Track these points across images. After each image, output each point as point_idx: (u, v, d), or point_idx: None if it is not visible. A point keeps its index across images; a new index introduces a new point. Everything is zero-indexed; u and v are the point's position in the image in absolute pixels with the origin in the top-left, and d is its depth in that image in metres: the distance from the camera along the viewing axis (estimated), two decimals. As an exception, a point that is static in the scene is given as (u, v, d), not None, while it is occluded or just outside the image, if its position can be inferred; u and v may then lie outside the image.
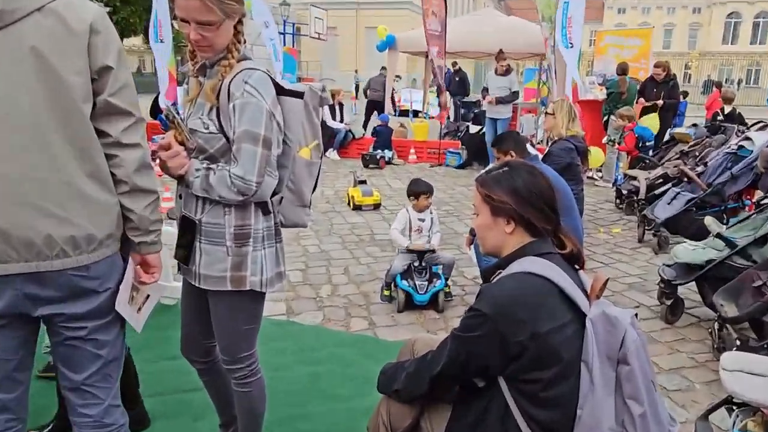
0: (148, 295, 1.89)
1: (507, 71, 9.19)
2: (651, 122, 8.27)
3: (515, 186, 1.61)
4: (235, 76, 1.80)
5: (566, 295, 1.50)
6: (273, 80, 1.85)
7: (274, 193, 1.93)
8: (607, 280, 1.62)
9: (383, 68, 13.57)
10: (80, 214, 1.54)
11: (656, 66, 8.61)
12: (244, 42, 1.87)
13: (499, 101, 9.09)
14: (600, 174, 9.01)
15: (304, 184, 2.00)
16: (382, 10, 34.60)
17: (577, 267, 1.65)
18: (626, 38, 9.86)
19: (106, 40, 1.54)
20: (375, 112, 12.87)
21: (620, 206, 7.23)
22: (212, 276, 1.91)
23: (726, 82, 20.61)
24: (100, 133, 1.57)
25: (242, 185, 1.78)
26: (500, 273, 1.61)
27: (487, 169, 1.86)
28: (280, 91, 1.88)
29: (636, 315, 1.56)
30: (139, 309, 1.87)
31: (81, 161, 1.54)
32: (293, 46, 21.17)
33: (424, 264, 4.05)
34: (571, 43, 7.81)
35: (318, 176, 2.06)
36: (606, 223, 6.62)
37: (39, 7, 1.45)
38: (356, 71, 24.98)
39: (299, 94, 1.93)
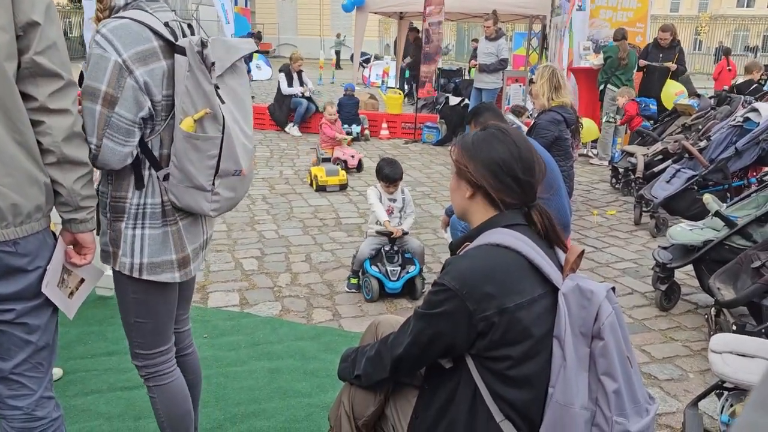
0: (83, 279, 1.94)
1: (497, 36, 9.31)
2: (669, 91, 8.54)
3: (478, 150, 1.71)
4: None
5: (537, 268, 1.61)
6: (155, 32, 1.77)
7: (158, 168, 1.87)
8: (583, 251, 1.74)
9: (338, 35, 13.59)
10: (5, 183, 1.58)
11: (662, 30, 8.82)
12: None
13: (482, 69, 9.23)
14: (595, 151, 9.24)
15: (189, 161, 1.82)
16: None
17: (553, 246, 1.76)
18: (621, -1, 10.05)
19: None
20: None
21: (616, 186, 7.44)
22: (100, 249, 1.96)
23: (744, 50, 21.08)
24: (26, 97, 1.59)
25: None
26: (467, 246, 1.71)
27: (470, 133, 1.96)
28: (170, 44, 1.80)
29: (613, 289, 1.68)
30: (72, 293, 1.91)
31: (7, 127, 1.57)
32: (246, 6, 20.94)
33: (396, 248, 4.16)
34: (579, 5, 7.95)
35: (221, 155, 1.84)
36: (600, 204, 6.82)
37: None
38: (339, 35, 24.59)
39: (181, 50, 1.79)
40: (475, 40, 17.77)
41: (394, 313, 3.89)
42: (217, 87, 1.85)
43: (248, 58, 15.89)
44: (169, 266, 1.93)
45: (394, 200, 4.33)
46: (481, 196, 1.72)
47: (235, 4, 19.31)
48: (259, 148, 9.18)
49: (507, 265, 1.59)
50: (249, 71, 17.94)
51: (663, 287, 4.07)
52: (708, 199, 4.09)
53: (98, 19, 1.82)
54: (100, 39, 1.71)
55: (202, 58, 1.76)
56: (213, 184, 1.87)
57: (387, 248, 4.15)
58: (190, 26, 2.00)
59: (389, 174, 4.25)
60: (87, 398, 2.79)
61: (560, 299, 1.59)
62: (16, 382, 1.78)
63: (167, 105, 1.83)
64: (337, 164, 7.44)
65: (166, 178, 1.87)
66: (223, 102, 1.86)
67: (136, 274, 1.90)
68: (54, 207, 1.76)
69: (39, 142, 1.65)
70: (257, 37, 15.35)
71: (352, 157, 7.88)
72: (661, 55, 8.85)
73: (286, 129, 10.66)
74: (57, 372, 2.97)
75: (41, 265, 1.73)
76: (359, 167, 7.95)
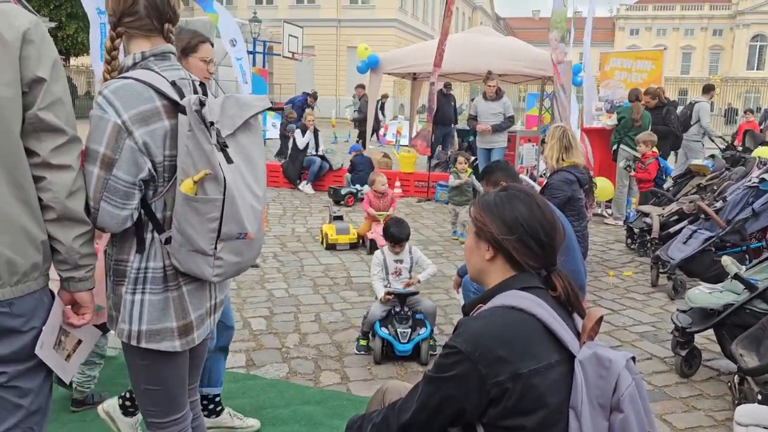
0: (80, 340, 1.90)
1: (498, 95, 9.42)
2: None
3: (502, 212, 1.67)
4: None
5: (553, 333, 1.54)
6: (159, 91, 1.76)
7: (161, 230, 1.83)
8: (601, 317, 1.67)
9: (359, 86, 13.87)
10: (2, 241, 1.56)
11: (645, 93, 8.96)
12: (146, 56, 1.83)
13: (496, 129, 9.27)
14: (610, 210, 9.18)
15: (189, 225, 1.76)
16: (366, 29, 35.34)
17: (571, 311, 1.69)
18: (635, 61, 10.16)
19: (40, 50, 1.60)
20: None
21: (632, 246, 7.35)
22: (107, 313, 1.93)
23: (756, 111, 21.38)
24: (28, 152, 1.60)
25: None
26: (481, 307, 1.65)
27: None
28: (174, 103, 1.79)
29: (633, 358, 1.60)
30: (69, 356, 1.87)
31: (8, 183, 1.57)
32: (264, 67, 21.50)
33: (406, 310, 4.08)
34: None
35: (222, 218, 1.78)
36: (616, 265, 6.72)
37: None
38: (354, 96, 24.81)
39: (183, 109, 1.76)
40: (473, 100, 18.00)
41: (404, 376, 3.78)
42: (226, 145, 1.82)
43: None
44: (169, 334, 1.86)
45: (401, 261, 4.28)
46: (501, 258, 1.67)
47: (253, 65, 19.91)
48: (272, 206, 9.22)
49: (522, 329, 1.53)
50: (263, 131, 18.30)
51: (683, 352, 3.93)
52: (726, 261, 4.00)
53: (105, 80, 1.83)
54: (101, 100, 1.71)
55: (202, 117, 1.72)
56: (215, 248, 1.80)
57: (398, 309, 4.07)
58: (202, 84, 1.99)
59: (395, 234, 4.22)
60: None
61: (577, 367, 1.51)
62: None
63: (170, 166, 1.80)
64: (366, 244, 6.97)
65: (167, 241, 1.82)
66: (231, 161, 1.82)
67: (134, 342, 1.84)
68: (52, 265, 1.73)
69: (39, 198, 1.63)
70: (313, 96, 15.55)
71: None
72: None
73: (300, 186, 10.73)
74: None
75: (36, 326, 1.69)
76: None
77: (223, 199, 1.76)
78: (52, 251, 1.70)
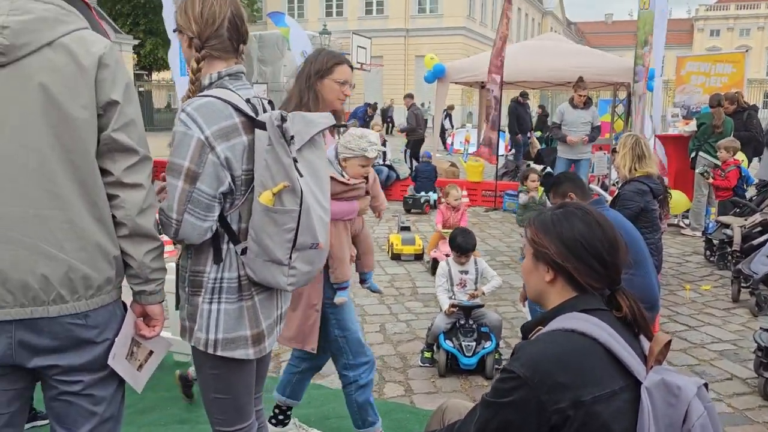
0: (151, 351, 1.96)
1: (587, 103, 8.89)
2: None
3: (560, 232, 1.62)
4: None
5: (617, 358, 1.48)
6: (237, 108, 1.83)
7: (236, 241, 1.90)
8: (670, 341, 1.59)
9: (407, 95, 13.91)
10: (79, 257, 1.64)
11: (725, 98, 8.50)
12: (222, 76, 1.90)
13: (591, 139, 8.84)
14: (687, 221, 8.80)
15: (267, 235, 1.83)
16: (434, 37, 35.43)
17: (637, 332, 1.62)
18: (713, 65, 9.70)
19: (114, 74, 1.67)
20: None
21: (711, 259, 7.02)
22: (180, 323, 2.00)
23: None
24: (103, 172, 1.68)
25: (163, 219, 1.83)
26: (540, 330, 1.61)
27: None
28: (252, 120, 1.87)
29: (706, 385, 1.52)
30: (141, 366, 1.93)
31: (85, 201, 1.65)
32: (333, 78, 21.80)
33: (471, 322, 4.03)
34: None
35: (299, 229, 1.84)
36: (693, 278, 6.43)
37: (50, 41, 1.60)
38: (423, 104, 24.62)
39: (261, 124, 1.84)
40: (541, 107, 17.54)
41: (468, 390, 3.73)
42: (295, 160, 1.87)
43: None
44: (243, 342, 1.93)
45: (466, 272, 4.24)
46: (562, 280, 1.62)
47: (324, 76, 20.28)
48: (339, 215, 9.32)
49: (583, 354, 1.47)
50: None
51: (767, 374, 3.71)
52: (815, 277, 3.76)
53: (187, 98, 1.91)
54: (184, 117, 1.80)
55: (282, 132, 1.79)
56: (290, 257, 1.87)
57: (462, 322, 4.03)
58: (270, 102, 2.05)
59: (461, 244, 4.19)
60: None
61: (643, 394, 1.45)
62: None
63: (246, 179, 1.87)
64: (429, 263, 6.69)
65: (243, 252, 1.89)
66: (301, 175, 1.87)
67: (210, 350, 1.91)
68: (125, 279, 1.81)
69: (113, 215, 1.71)
70: (373, 107, 15.75)
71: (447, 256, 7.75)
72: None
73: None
74: None
75: (109, 337, 1.76)
76: None
77: (300, 210, 1.83)
78: (125, 266, 1.78)
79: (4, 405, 1.73)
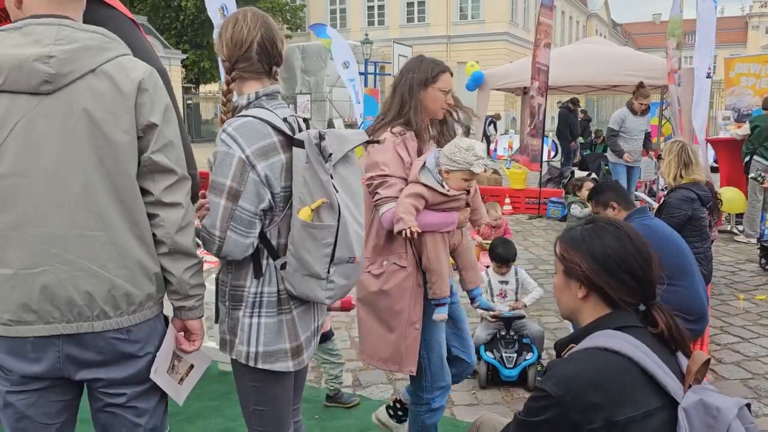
0: (192, 365, 2.01)
1: (646, 110, 8.49)
2: None
3: (592, 248, 1.60)
4: None
5: (652, 377, 1.45)
6: (275, 127, 1.89)
7: (275, 257, 1.94)
8: (708, 360, 1.55)
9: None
10: (121, 274, 1.71)
11: None
12: (259, 96, 1.96)
13: (647, 148, 8.55)
14: (741, 227, 8.52)
15: (306, 250, 1.87)
16: (476, 44, 35.28)
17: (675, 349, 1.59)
18: (764, 65, 9.35)
19: (153, 98, 1.73)
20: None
21: (766, 267, 6.78)
22: (220, 336, 2.04)
23: None
24: (143, 192, 1.74)
25: (206, 237, 1.88)
26: (573, 347, 1.59)
27: (571, 225, 1.84)
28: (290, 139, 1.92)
29: (749, 405, 1.47)
30: (182, 379, 1.98)
31: (126, 221, 1.72)
32: (375, 87, 21.95)
33: (512, 333, 3.99)
34: (708, 73, 7.57)
35: (336, 243, 1.88)
36: (747, 287, 6.21)
37: (92, 69, 1.67)
38: (494, 115, 23.67)
39: (299, 143, 1.89)
40: (584, 111, 17.13)
41: (510, 402, 3.69)
42: (331, 176, 1.91)
43: None
44: (283, 355, 1.97)
45: (506, 282, 4.20)
46: (595, 296, 1.60)
47: (365, 85, 20.43)
48: (381, 224, 9.36)
49: (617, 372, 1.45)
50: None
51: (824, 388, 3.56)
52: None
53: (222, 121, 1.98)
54: (225, 137, 1.86)
55: (320, 149, 1.84)
56: (328, 272, 1.90)
57: (503, 333, 4.00)
58: (306, 120, 2.10)
59: (501, 253, 4.16)
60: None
61: (680, 415, 1.41)
62: None
63: (285, 196, 1.93)
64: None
65: (282, 266, 1.94)
66: (337, 191, 1.91)
67: (251, 363, 1.96)
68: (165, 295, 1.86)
69: (153, 234, 1.76)
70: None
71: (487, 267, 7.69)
72: None
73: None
74: None
75: (151, 351, 1.82)
76: None
77: (338, 225, 1.87)
78: (165, 282, 1.83)
79: (54, 415, 1.80)
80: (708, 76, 7.35)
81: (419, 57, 2.77)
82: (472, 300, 2.92)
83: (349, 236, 1.91)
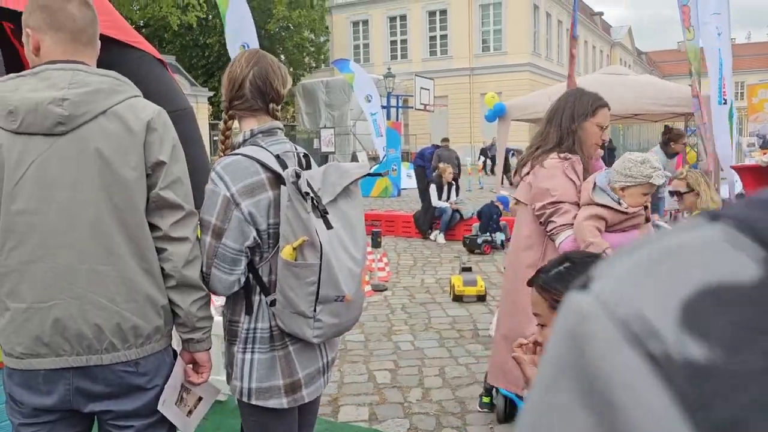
0: (200, 398, 2.05)
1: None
2: None
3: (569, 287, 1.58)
4: None
5: None
6: (264, 165, 1.91)
7: (267, 293, 1.96)
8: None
9: (444, 139, 13.71)
10: (129, 308, 1.76)
11: None
12: (254, 133, 2.00)
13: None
14: None
15: (290, 289, 1.86)
16: (499, 75, 35.47)
17: None
18: (787, 91, 9.30)
19: (161, 137, 1.81)
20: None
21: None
22: (225, 370, 2.09)
23: None
24: (152, 227, 1.81)
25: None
26: None
27: (541, 267, 1.80)
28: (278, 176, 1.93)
29: None
30: (190, 412, 2.02)
31: (135, 255, 1.78)
32: (398, 119, 22.13)
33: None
34: (724, 99, 7.52)
35: (320, 282, 1.86)
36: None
37: (104, 110, 1.76)
38: (516, 149, 23.81)
39: (284, 181, 1.89)
40: (610, 140, 17.03)
41: (528, 437, 3.64)
42: (326, 212, 1.93)
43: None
44: (277, 392, 1.97)
45: (528, 314, 4.16)
46: None
47: (388, 118, 20.63)
48: (402, 256, 9.40)
49: None
50: (399, 180, 18.73)
51: None
52: None
53: (219, 156, 2.04)
54: (213, 175, 1.91)
55: (298, 188, 1.84)
56: (314, 310, 1.89)
57: (521, 365, 3.96)
58: (306, 156, 2.14)
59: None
60: None
61: None
62: None
63: (274, 233, 1.94)
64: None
65: (272, 303, 1.95)
66: (330, 227, 1.93)
67: (245, 399, 1.98)
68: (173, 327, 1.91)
69: (162, 268, 1.82)
70: (445, 139, 15.57)
71: None
72: None
73: (431, 236, 10.83)
74: None
75: (159, 384, 1.86)
76: None
77: (320, 264, 1.86)
78: (173, 315, 1.88)
79: None
80: (723, 102, 7.28)
81: (579, 90, 2.70)
82: None
83: (336, 274, 1.89)
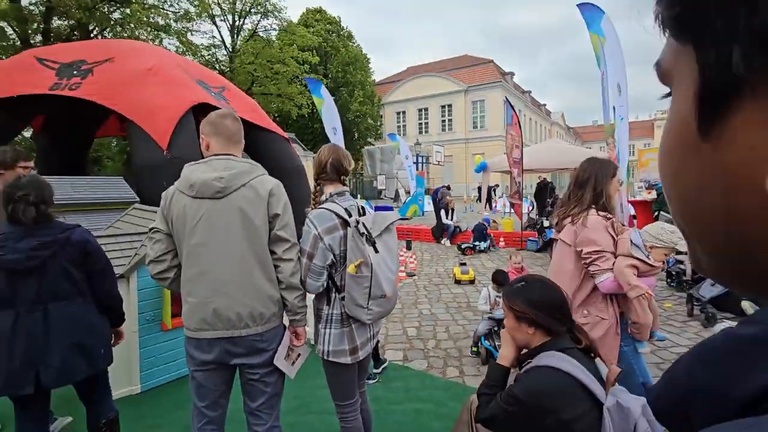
0: (299, 354, 1.99)
1: None
2: None
3: (531, 298, 1.47)
4: None
5: (584, 386, 1.31)
6: (337, 215, 1.83)
7: (339, 291, 1.88)
8: (620, 372, 1.39)
9: (447, 186, 13.24)
10: (257, 302, 1.73)
11: None
12: (332, 195, 1.91)
13: None
14: (654, 257, 7.82)
15: (353, 291, 1.82)
16: (485, 141, 34.90)
17: (593, 356, 1.44)
18: (663, 154, 8.82)
19: (278, 198, 1.78)
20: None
21: (671, 284, 6.15)
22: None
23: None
24: (271, 252, 1.78)
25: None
26: (530, 362, 1.46)
27: (509, 282, 1.66)
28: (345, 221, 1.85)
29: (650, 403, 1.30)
30: (293, 363, 1.97)
31: (262, 270, 1.75)
32: (421, 170, 21.97)
33: (503, 328, 3.75)
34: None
35: (371, 286, 1.81)
36: (659, 298, 5.64)
37: (244, 183, 1.74)
38: (494, 185, 22.39)
39: (349, 224, 1.84)
40: (551, 182, 16.24)
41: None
42: (374, 243, 1.87)
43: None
44: (344, 353, 1.91)
45: (500, 295, 3.97)
46: (540, 330, 1.47)
47: (417, 169, 20.49)
48: (425, 254, 9.22)
49: (563, 386, 1.31)
50: (423, 206, 18.49)
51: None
52: (746, 305, 3.18)
53: (311, 208, 1.98)
54: (308, 221, 1.86)
55: (357, 229, 1.82)
56: (368, 303, 1.85)
57: (497, 328, 3.78)
58: (362, 207, 2.07)
59: (499, 279, 3.96)
60: (308, 417, 2.78)
61: (605, 414, 1.26)
62: (258, 415, 1.83)
63: (343, 256, 1.89)
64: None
65: (343, 298, 1.90)
66: (377, 251, 1.86)
67: (325, 357, 1.92)
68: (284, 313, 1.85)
69: (277, 277, 1.77)
70: (447, 187, 15.13)
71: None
72: None
73: (442, 242, 10.62)
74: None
75: (275, 347, 1.81)
76: None
77: (371, 276, 1.82)
78: (283, 305, 1.83)
79: (220, 383, 1.82)
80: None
81: (595, 158, 2.29)
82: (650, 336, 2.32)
83: (380, 281, 1.83)
